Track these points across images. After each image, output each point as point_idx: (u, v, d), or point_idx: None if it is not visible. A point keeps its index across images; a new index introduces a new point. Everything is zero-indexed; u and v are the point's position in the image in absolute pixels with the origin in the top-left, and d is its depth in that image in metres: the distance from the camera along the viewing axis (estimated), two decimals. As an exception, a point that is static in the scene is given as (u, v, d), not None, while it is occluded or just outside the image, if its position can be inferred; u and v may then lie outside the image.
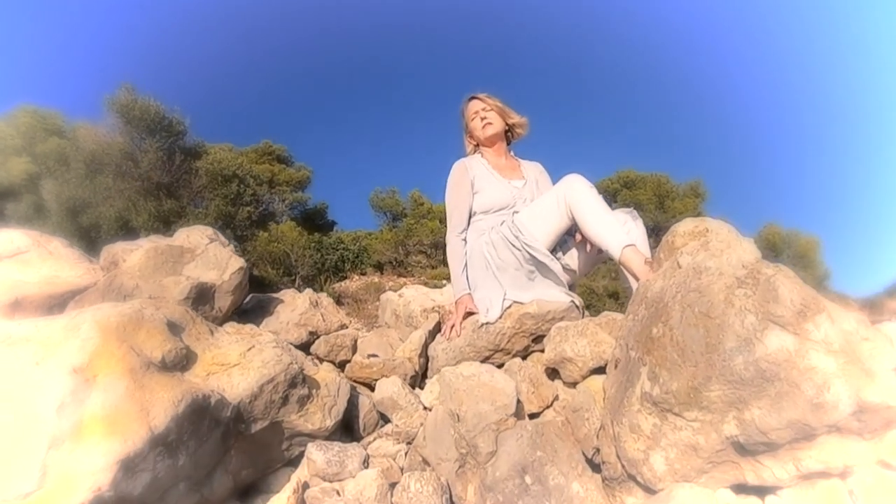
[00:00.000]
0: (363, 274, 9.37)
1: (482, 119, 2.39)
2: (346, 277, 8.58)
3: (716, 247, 1.35)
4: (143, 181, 7.71)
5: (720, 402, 1.20)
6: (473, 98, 2.46)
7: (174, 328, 1.49)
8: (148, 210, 7.34)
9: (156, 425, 1.18)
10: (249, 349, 1.55)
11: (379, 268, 9.94)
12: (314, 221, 11.63)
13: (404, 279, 9.21)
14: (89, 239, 6.54)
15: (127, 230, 6.89)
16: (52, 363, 1.20)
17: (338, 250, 9.22)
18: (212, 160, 8.12)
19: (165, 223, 7.37)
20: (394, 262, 10.20)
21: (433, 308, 2.85)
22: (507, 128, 2.44)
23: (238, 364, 1.49)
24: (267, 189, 10.40)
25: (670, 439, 1.29)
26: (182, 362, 1.41)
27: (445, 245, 2.36)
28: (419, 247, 10.94)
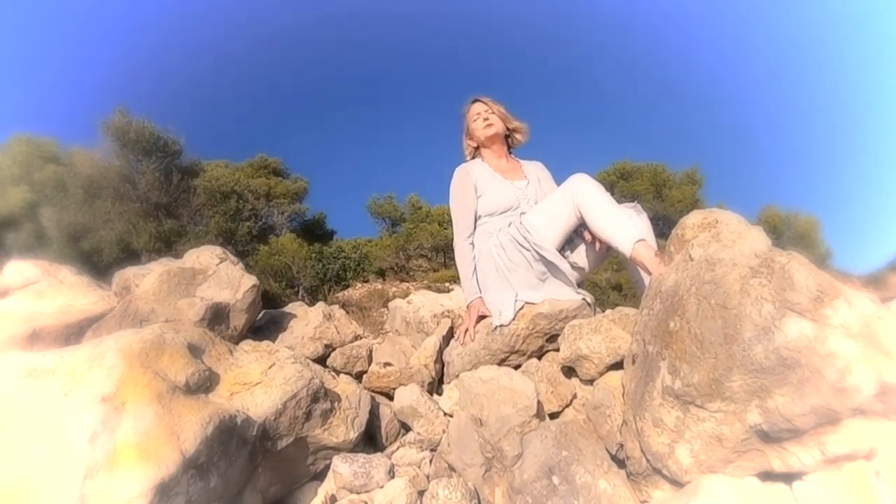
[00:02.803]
0: (366, 281, 9.39)
1: (484, 119, 2.43)
2: (348, 286, 8.60)
3: (727, 237, 1.37)
4: (141, 203, 7.74)
5: (742, 391, 1.21)
6: (476, 101, 2.50)
7: (195, 350, 1.51)
8: (148, 231, 7.36)
9: (186, 448, 1.19)
10: (270, 367, 1.56)
11: (381, 274, 9.95)
12: (313, 232, 11.64)
13: (407, 284, 9.22)
14: (91, 263, 6.55)
15: (128, 253, 6.90)
16: (80, 393, 1.21)
17: (339, 259, 9.23)
18: (209, 177, 8.15)
19: (167, 243, 7.39)
20: (395, 268, 10.21)
21: (443, 313, 2.86)
22: (507, 132, 2.47)
23: (260, 382, 1.50)
24: (265, 203, 10.42)
25: (694, 431, 1.30)
26: (206, 384, 1.43)
27: (452, 249, 2.37)
28: (420, 251, 10.96)
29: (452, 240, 2.39)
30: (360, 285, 8.81)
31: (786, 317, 1.16)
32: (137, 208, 7.65)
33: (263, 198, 10.36)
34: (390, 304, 3.26)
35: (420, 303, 3.01)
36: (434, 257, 10.73)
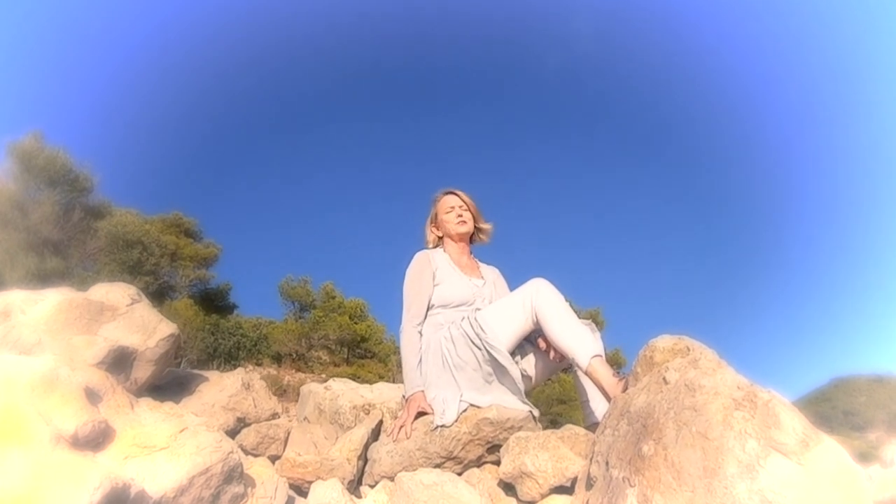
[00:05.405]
0: (258, 364, 8.75)
1: (458, 216, 2.39)
2: (239, 366, 7.94)
3: (706, 365, 1.35)
4: (28, 234, 6.94)
5: (720, 532, 1.12)
6: (451, 193, 2.46)
7: (92, 396, 1.22)
8: (26, 266, 6.55)
9: (62, 521, 0.90)
10: (182, 431, 1.29)
11: (277, 359, 9.33)
12: (214, 302, 10.87)
13: (303, 374, 8.64)
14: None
15: (-6, 286, 6.02)
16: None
17: (235, 336, 8.60)
18: (115, 223, 7.52)
19: (43, 283, 6.55)
20: (294, 355, 9.60)
21: (364, 406, 2.63)
22: (473, 230, 2.44)
23: (167, 448, 1.23)
24: (169, 261, 9.70)
25: (661, 572, 1.18)
26: (98, 439, 1.14)
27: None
28: (324, 341, 10.42)
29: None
30: (251, 367, 8.17)
31: (770, 456, 1.12)
32: (21, 239, 6.83)
33: (169, 256, 9.65)
34: (303, 389, 2.96)
35: (339, 391, 2.76)
36: (337, 351, 10.22)
